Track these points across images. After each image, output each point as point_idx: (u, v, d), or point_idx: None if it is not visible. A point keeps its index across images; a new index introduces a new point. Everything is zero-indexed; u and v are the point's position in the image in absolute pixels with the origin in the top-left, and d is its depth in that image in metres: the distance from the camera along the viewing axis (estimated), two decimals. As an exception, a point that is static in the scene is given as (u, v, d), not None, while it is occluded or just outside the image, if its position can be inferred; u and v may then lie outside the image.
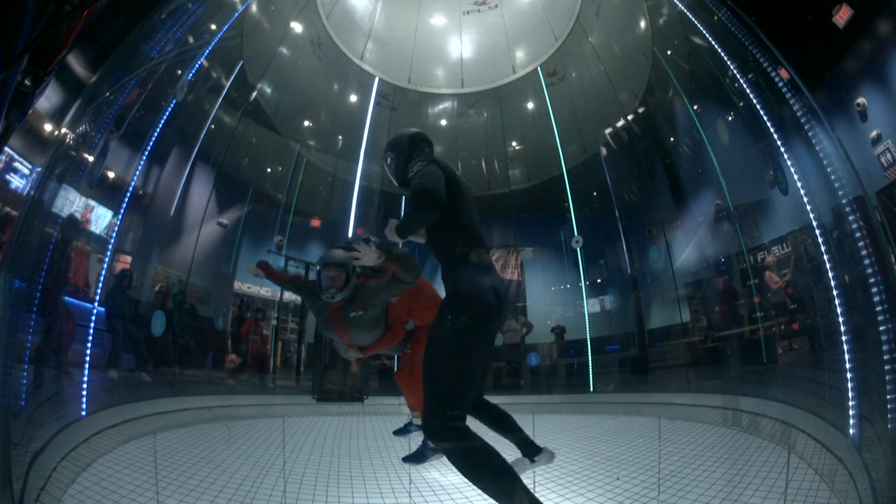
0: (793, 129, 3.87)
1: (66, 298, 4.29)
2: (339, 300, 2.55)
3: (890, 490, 2.03)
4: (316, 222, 9.04)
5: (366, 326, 2.64)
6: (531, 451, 2.16)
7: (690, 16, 5.54)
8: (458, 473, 1.63)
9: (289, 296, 8.34)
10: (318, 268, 2.60)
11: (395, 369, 3.25)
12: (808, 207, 3.81)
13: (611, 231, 8.24)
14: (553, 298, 9.30)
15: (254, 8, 7.51)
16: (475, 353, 1.81)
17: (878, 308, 2.77)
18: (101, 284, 4.64)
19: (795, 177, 3.96)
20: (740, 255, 5.90)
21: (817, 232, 3.70)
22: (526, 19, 9.06)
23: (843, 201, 3.24)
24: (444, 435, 1.69)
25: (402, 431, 3.35)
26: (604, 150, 8.52)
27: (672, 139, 7.44)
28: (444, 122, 9.88)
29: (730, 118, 5.48)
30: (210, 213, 7.33)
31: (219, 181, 7.46)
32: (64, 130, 3.78)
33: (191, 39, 5.87)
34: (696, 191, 6.88)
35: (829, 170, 3.34)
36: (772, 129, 4.21)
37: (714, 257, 6.51)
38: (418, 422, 3.24)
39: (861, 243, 3.07)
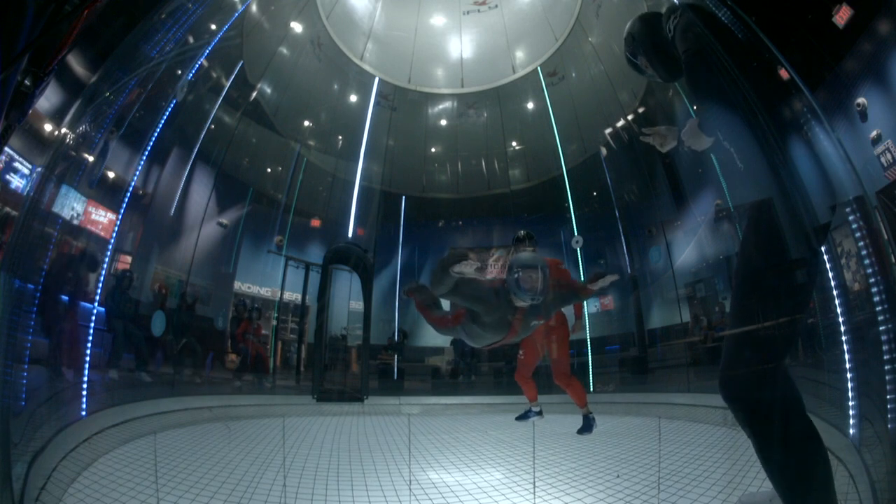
0: (793, 129, 3.87)
1: (66, 298, 4.29)
2: (532, 303, 2.56)
3: (890, 491, 2.02)
4: (316, 222, 9.04)
5: (532, 330, 2.74)
6: None
7: (690, 16, 5.53)
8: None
9: (289, 295, 8.33)
10: (516, 272, 2.59)
11: (515, 371, 4.16)
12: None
13: (611, 231, 8.23)
14: (553, 298, 9.29)
15: (254, 8, 7.51)
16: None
17: (878, 308, 2.77)
18: (101, 285, 4.65)
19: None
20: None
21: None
22: (526, 19, 9.06)
23: (843, 201, 3.23)
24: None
25: (523, 417, 4.10)
26: (604, 150, 8.51)
27: (672, 139, 7.43)
28: (444, 122, 9.88)
29: (730, 118, 5.46)
30: (210, 213, 7.33)
31: (219, 181, 7.46)
32: (64, 130, 3.78)
33: (191, 39, 5.86)
34: (696, 191, 6.88)
35: (829, 170, 3.33)
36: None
37: (713, 257, 6.50)
38: (537, 408, 4.09)
39: (861, 243, 3.07)
